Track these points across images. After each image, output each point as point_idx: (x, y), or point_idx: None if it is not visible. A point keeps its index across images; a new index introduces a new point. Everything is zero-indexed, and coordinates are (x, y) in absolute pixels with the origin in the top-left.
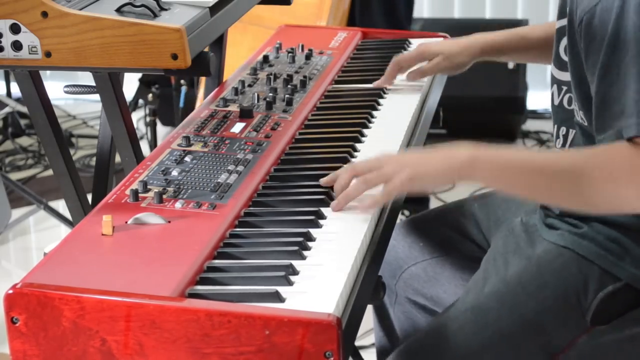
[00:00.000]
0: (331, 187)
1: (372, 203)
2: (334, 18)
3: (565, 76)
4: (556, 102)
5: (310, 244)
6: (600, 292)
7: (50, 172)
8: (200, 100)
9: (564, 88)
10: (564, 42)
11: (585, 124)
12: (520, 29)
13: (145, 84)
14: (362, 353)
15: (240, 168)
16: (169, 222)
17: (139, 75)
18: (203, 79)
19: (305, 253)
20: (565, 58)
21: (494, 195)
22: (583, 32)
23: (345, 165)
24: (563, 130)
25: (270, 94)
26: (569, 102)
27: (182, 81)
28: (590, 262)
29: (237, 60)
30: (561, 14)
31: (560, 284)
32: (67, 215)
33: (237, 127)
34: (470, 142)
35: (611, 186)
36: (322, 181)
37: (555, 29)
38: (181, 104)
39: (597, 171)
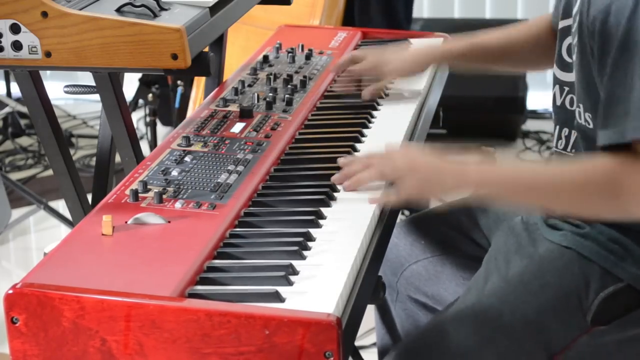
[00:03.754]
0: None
1: (384, 200)
2: (327, 17)
3: (568, 77)
4: (558, 103)
5: (310, 244)
6: (602, 292)
7: (50, 172)
8: (192, 101)
9: (566, 89)
10: (567, 42)
11: (590, 126)
12: (478, 38)
13: (145, 84)
14: (362, 353)
15: (240, 168)
16: (169, 222)
17: (139, 75)
18: (199, 79)
19: (305, 253)
20: (568, 59)
21: None
22: (597, 31)
23: (362, 154)
24: (565, 131)
25: (270, 94)
26: (571, 103)
27: (178, 82)
28: (592, 262)
29: (229, 60)
30: (565, 14)
31: (561, 284)
32: (67, 215)
33: (237, 127)
34: (479, 156)
35: (610, 200)
36: (340, 161)
37: (513, 38)
38: (177, 105)
39: (596, 187)
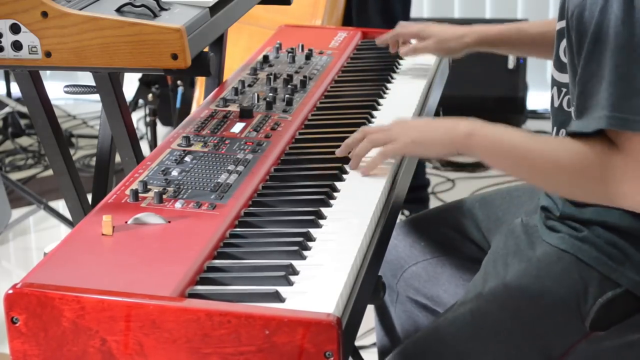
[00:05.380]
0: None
1: (371, 163)
2: (329, 17)
3: (565, 78)
4: (556, 104)
5: (310, 244)
6: (600, 297)
7: (50, 172)
8: (197, 101)
9: (564, 90)
10: (564, 43)
11: None
12: (518, 23)
13: (145, 84)
14: (362, 353)
15: (240, 168)
16: (169, 222)
17: (139, 75)
18: (201, 79)
19: (305, 253)
20: (565, 60)
21: (494, 195)
22: (574, 26)
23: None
24: (562, 132)
25: (270, 94)
26: (568, 105)
27: (178, 82)
28: (591, 267)
29: (232, 60)
30: (561, 16)
31: (560, 289)
32: (67, 215)
33: (237, 127)
34: (472, 118)
35: (581, 183)
36: (338, 152)
37: (553, 26)
38: (178, 104)
39: (572, 168)
